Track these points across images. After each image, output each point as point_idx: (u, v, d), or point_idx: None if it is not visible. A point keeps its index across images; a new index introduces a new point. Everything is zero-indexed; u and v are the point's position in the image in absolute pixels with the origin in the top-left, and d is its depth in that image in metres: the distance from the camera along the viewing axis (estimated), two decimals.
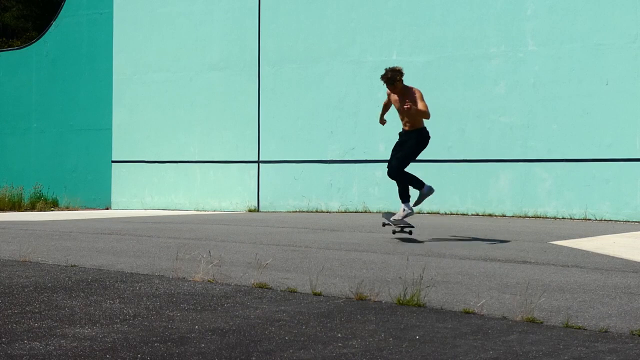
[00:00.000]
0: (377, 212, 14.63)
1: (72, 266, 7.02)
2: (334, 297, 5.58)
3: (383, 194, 14.84)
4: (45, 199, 18.49)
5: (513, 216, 13.92)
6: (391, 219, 9.33)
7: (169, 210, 17.23)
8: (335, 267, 7.03)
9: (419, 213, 14.49)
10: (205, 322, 4.71)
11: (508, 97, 14.19)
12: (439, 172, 14.70)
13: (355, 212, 15.33)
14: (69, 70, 19.19)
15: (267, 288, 5.88)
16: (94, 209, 18.36)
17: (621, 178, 13.27)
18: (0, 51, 21.33)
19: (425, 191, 9.39)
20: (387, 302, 5.36)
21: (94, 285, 6.01)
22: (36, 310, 4.99)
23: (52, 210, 17.63)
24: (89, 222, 12.69)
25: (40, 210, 17.50)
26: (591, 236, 10.08)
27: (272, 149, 16.56)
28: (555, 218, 13.59)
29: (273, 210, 16.44)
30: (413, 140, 9.24)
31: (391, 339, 4.33)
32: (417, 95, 9.12)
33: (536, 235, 10.06)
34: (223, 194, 17.16)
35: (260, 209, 16.65)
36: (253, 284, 6.02)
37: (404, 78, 9.26)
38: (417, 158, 9.58)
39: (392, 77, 9.14)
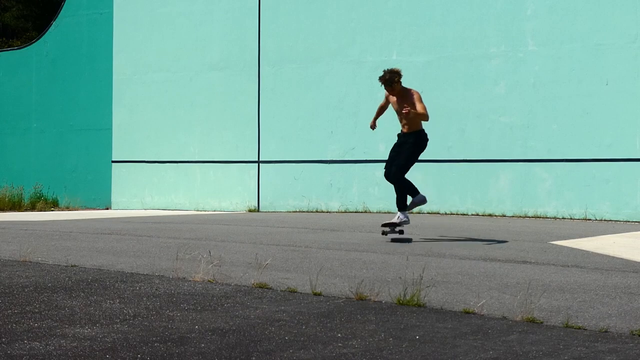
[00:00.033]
0: (377, 212, 14.64)
1: (72, 266, 7.02)
2: (334, 297, 5.58)
3: (383, 194, 14.83)
4: (45, 199, 18.49)
5: (513, 216, 13.92)
6: (385, 222, 9.29)
7: (169, 210, 17.23)
8: (335, 267, 7.03)
9: (419, 213, 14.50)
10: (205, 322, 4.71)
11: (508, 97, 14.19)
12: (439, 172, 14.71)
13: (355, 212, 15.33)
14: (69, 70, 19.19)
15: (267, 288, 5.88)
16: (94, 209, 18.36)
17: (621, 178, 13.27)
18: (0, 51, 21.33)
19: (418, 200, 9.31)
20: (387, 302, 5.36)
21: (94, 285, 6.01)
22: (36, 310, 4.99)
23: (52, 210, 17.63)
24: (89, 222, 12.69)
25: (40, 210, 17.50)
26: (591, 236, 10.08)
27: (272, 149, 16.56)
28: (555, 218, 13.59)
29: (273, 210, 16.44)
30: (411, 142, 9.21)
31: (391, 339, 4.34)
32: (416, 97, 9.11)
33: (536, 235, 10.06)
34: (223, 194, 17.17)
35: (260, 209, 16.65)
36: (253, 284, 6.02)
37: (402, 80, 9.26)
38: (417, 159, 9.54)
39: (390, 79, 9.13)
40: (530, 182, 13.99)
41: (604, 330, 4.60)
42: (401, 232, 9.29)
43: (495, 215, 14.09)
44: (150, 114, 18.05)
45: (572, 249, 8.50)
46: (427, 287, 5.74)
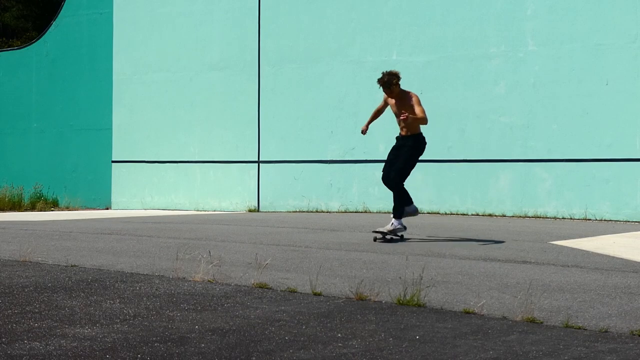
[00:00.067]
0: (377, 212, 14.64)
1: (72, 266, 7.02)
2: (334, 297, 5.58)
3: (383, 194, 14.83)
4: (45, 199, 18.49)
5: (513, 216, 13.92)
6: (379, 229, 9.23)
7: (169, 210, 17.23)
8: (335, 267, 7.03)
9: (419, 213, 14.49)
10: (205, 322, 4.71)
11: (508, 97, 14.19)
12: (439, 172, 14.71)
13: (355, 212, 15.33)
14: (69, 70, 19.19)
15: (267, 288, 5.89)
16: (94, 209, 18.36)
17: (621, 178, 13.27)
18: (0, 51, 21.33)
19: (411, 210, 9.26)
20: (387, 302, 5.36)
21: (94, 285, 6.01)
22: (36, 310, 4.99)
23: (52, 210, 17.63)
24: (89, 222, 12.69)
25: (40, 210, 17.50)
26: (591, 236, 10.08)
27: (272, 149, 16.56)
28: (555, 218, 13.59)
29: (273, 210, 16.44)
30: (409, 146, 9.14)
31: (391, 339, 4.34)
32: (414, 100, 9.06)
33: (536, 235, 10.06)
34: (223, 194, 17.16)
35: (260, 209, 16.65)
36: (253, 284, 6.02)
37: (402, 81, 9.25)
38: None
39: (389, 81, 9.09)
40: (530, 182, 13.99)
41: (604, 330, 4.60)
42: (391, 239, 9.14)
43: (495, 215, 14.09)
44: (150, 114, 18.05)
45: (572, 249, 8.50)
46: (427, 287, 5.74)
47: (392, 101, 9.24)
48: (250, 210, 16.60)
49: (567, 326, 4.66)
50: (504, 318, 4.91)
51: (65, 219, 13.87)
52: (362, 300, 5.43)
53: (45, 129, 19.58)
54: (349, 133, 15.62)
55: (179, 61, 17.71)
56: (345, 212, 15.41)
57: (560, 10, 13.80)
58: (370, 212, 14.95)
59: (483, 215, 14.14)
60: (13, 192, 18.27)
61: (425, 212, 14.63)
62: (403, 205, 9.20)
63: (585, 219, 13.31)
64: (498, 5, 14.32)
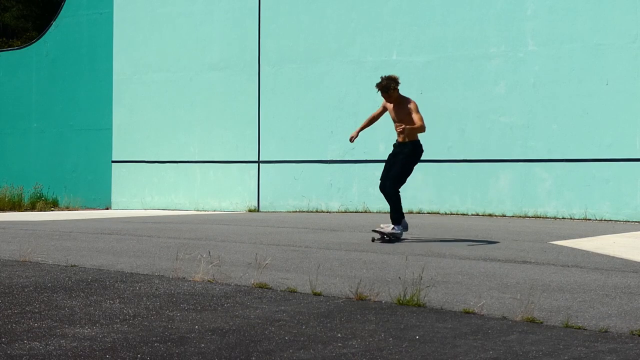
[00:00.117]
0: (377, 212, 14.64)
1: (72, 266, 7.02)
2: (334, 297, 5.58)
3: None
4: (45, 199, 18.50)
5: (513, 216, 13.92)
6: (378, 229, 9.16)
7: (169, 210, 17.23)
8: (335, 267, 7.03)
9: (419, 213, 14.50)
10: (205, 322, 4.71)
11: (508, 97, 14.19)
12: (439, 172, 14.71)
13: (355, 212, 15.33)
14: (69, 70, 19.19)
15: (267, 288, 5.88)
16: (94, 209, 18.36)
17: (621, 178, 13.27)
18: (0, 51, 21.33)
19: (403, 225, 9.17)
20: (387, 302, 5.36)
21: (94, 285, 6.01)
22: (36, 310, 4.99)
23: (52, 210, 17.63)
24: (89, 222, 12.69)
25: (40, 210, 17.50)
26: (591, 236, 10.08)
27: (272, 149, 16.56)
28: (555, 218, 13.59)
29: (273, 210, 16.45)
30: (405, 153, 9.06)
31: (391, 339, 4.33)
32: (412, 107, 9.01)
33: (536, 235, 10.06)
34: (223, 194, 17.17)
35: (260, 209, 16.65)
36: (253, 284, 6.02)
37: (402, 81, 9.22)
38: None
39: (387, 85, 9.04)
40: (530, 182, 13.99)
41: (604, 330, 4.60)
42: (389, 240, 9.08)
43: (495, 215, 14.09)
44: (150, 114, 18.05)
45: (572, 249, 8.50)
46: (427, 287, 5.74)
47: (390, 106, 9.20)
48: (250, 210, 16.60)
49: (567, 326, 4.66)
50: (504, 318, 4.91)
51: (65, 219, 13.87)
52: (362, 300, 5.43)
53: (45, 129, 19.58)
54: (349, 133, 15.59)
55: (179, 61, 17.71)
56: (345, 212, 15.41)
57: (560, 10, 13.80)
58: (370, 212, 14.95)
59: (483, 215, 14.14)
60: (13, 192, 18.27)
61: (425, 212, 14.63)
62: (400, 211, 9.10)
63: (585, 219, 13.31)
64: (498, 5, 14.32)
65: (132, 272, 6.70)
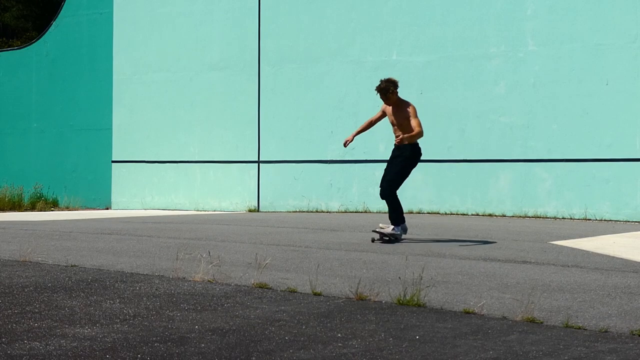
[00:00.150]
0: (377, 212, 14.64)
1: (72, 266, 7.03)
2: (334, 297, 5.58)
3: None
4: (45, 199, 18.49)
5: (513, 216, 13.92)
6: (378, 230, 9.14)
7: (169, 210, 17.23)
8: (335, 267, 7.03)
9: (419, 213, 14.50)
10: (205, 322, 4.71)
11: (508, 97, 14.19)
12: (439, 172, 14.71)
13: (355, 212, 15.33)
14: (69, 70, 19.19)
15: (267, 288, 5.88)
16: (94, 209, 18.36)
17: (621, 178, 13.27)
18: (0, 51, 21.33)
19: (402, 228, 9.12)
20: (387, 302, 5.36)
21: (94, 285, 6.01)
22: (36, 310, 4.99)
23: (52, 210, 17.63)
24: (89, 222, 12.69)
25: (40, 210, 17.50)
26: (591, 236, 10.08)
27: (272, 149, 16.57)
28: (555, 218, 13.59)
29: (273, 210, 16.45)
30: (404, 156, 9.04)
31: (391, 339, 4.33)
32: (411, 111, 8.98)
33: (536, 235, 10.06)
34: (223, 194, 17.17)
35: (260, 209, 16.65)
36: (253, 284, 6.02)
37: (401, 82, 9.20)
38: None
39: (386, 88, 9.02)
40: (530, 182, 13.99)
41: (604, 330, 4.60)
42: (389, 241, 9.06)
43: (495, 215, 14.09)
44: (150, 114, 18.05)
45: (572, 249, 8.50)
46: (427, 287, 5.74)
47: (389, 110, 9.18)
48: (250, 210, 16.60)
49: (567, 326, 4.66)
50: (504, 318, 4.91)
51: (65, 219, 13.87)
52: (362, 300, 5.43)
53: (45, 129, 19.58)
54: (349, 133, 15.57)
55: (179, 61, 17.71)
56: (345, 212, 15.41)
57: (560, 10, 13.80)
58: (370, 212, 14.95)
59: (483, 215, 14.14)
60: (13, 192, 18.27)
61: (425, 212, 14.63)
62: (399, 213, 9.07)
63: (585, 219, 13.31)
64: (498, 5, 14.32)
65: (132, 272, 6.70)
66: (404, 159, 9.07)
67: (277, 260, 7.43)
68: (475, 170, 14.46)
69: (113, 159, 18.52)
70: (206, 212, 16.44)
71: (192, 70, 17.55)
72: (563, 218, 13.55)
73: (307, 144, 16.12)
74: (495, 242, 9.13)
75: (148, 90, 18.07)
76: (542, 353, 4.05)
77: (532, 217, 13.76)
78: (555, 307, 5.23)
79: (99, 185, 18.70)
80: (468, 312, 5.05)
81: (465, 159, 14.55)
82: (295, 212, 15.89)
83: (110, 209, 18.32)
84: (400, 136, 8.86)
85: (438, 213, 14.55)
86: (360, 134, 9.73)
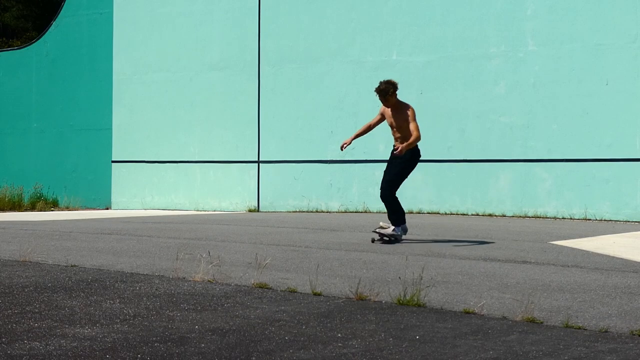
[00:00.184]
0: (377, 212, 14.64)
1: (72, 266, 7.02)
2: (334, 297, 5.58)
3: None
4: (45, 199, 18.49)
5: (513, 216, 13.92)
6: (378, 230, 9.12)
7: (169, 210, 17.23)
8: (335, 267, 7.03)
9: (419, 213, 14.50)
10: (205, 322, 4.71)
11: (508, 97, 14.19)
12: (439, 172, 14.71)
13: (355, 212, 15.33)
14: (69, 70, 19.19)
15: (267, 288, 5.88)
16: (94, 209, 18.36)
17: (621, 178, 13.27)
18: (0, 51, 21.33)
19: (403, 229, 9.09)
20: (387, 302, 5.36)
21: (94, 285, 6.01)
22: (36, 310, 4.99)
23: (52, 210, 17.63)
24: (89, 222, 12.69)
25: (40, 210, 17.50)
26: (591, 236, 10.08)
27: (272, 149, 16.57)
28: (555, 218, 13.59)
29: (273, 210, 16.45)
30: (404, 158, 9.00)
31: (391, 339, 4.33)
32: (410, 114, 8.94)
33: (536, 235, 10.06)
34: (223, 194, 17.17)
35: (260, 209, 16.65)
36: (253, 284, 6.02)
37: (400, 82, 9.17)
38: None
39: (385, 89, 8.99)
40: (530, 182, 13.99)
41: (604, 330, 4.60)
42: (389, 241, 9.04)
43: (495, 215, 14.09)
44: (150, 114, 18.05)
45: (572, 249, 8.50)
46: (427, 287, 5.74)
47: (388, 112, 9.15)
48: (250, 210, 16.60)
49: (567, 326, 4.66)
50: (504, 318, 4.91)
51: (65, 219, 13.87)
52: (362, 300, 5.43)
53: (45, 129, 19.58)
54: (349, 133, 15.59)
55: (179, 61, 17.71)
56: (345, 212, 15.41)
57: (560, 10, 13.80)
58: (370, 212, 14.95)
59: (483, 215, 14.14)
60: (13, 192, 18.27)
61: (425, 212, 14.63)
62: (400, 214, 9.04)
63: (585, 219, 13.31)
64: (498, 5, 14.32)
65: (132, 272, 6.70)
66: (404, 160, 9.06)
67: (277, 260, 7.43)
68: (475, 170, 14.46)
69: (113, 159, 18.52)
70: (206, 212, 16.44)
71: (192, 70, 17.55)
72: (563, 218, 13.55)
73: (307, 144, 16.12)
74: (495, 242, 9.13)
75: (148, 90, 18.07)
76: (542, 353, 4.05)
77: (532, 217, 13.76)
78: (555, 307, 5.23)
79: (99, 185, 18.70)
80: (468, 312, 5.05)
81: (465, 159, 14.55)
82: (295, 212, 15.89)
83: (110, 209, 18.32)
84: (399, 148, 8.82)
85: (438, 213, 14.55)
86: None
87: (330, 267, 7.01)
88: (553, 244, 8.98)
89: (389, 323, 4.72)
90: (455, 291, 5.82)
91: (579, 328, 4.63)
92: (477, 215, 14.26)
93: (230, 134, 17.06)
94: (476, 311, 5.07)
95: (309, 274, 6.46)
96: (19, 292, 5.64)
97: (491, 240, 9.34)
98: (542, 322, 4.78)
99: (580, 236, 10.03)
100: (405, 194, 13.61)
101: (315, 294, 5.64)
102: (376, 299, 5.43)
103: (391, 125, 9.15)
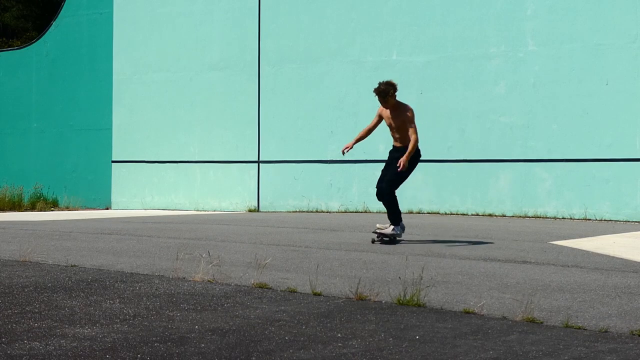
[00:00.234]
0: (377, 212, 14.64)
1: (72, 266, 7.02)
2: (334, 297, 5.58)
3: None
4: (45, 199, 18.49)
5: (513, 216, 13.92)
6: (378, 230, 9.12)
7: (169, 210, 17.23)
8: (335, 267, 7.03)
9: (419, 213, 14.50)
10: (205, 322, 4.71)
11: (508, 97, 14.19)
12: (439, 172, 14.71)
13: (355, 212, 15.33)
14: (69, 70, 19.19)
15: (267, 288, 5.88)
16: (94, 209, 18.36)
17: (621, 178, 13.27)
18: (0, 51, 21.33)
19: (398, 229, 9.08)
20: (387, 302, 5.36)
21: (94, 285, 6.01)
22: (36, 310, 4.99)
23: (52, 210, 17.63)
24: (89, 222, 12.69)
25: (40, 210, 17.50)
26: (591, 236, 10.08)
27: (272, 149, 16.56)
28: (555, 218, 13.59)
29: (273, 210, 16.44)
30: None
31: (391, 339, 4.33)
32: (410, 116, 8.91)
33: (536, 235, 10.06)
34: (223, 194, 17.16)
35: (260, 209, 16.65)
36: (253, 284, 6.02)
37: (400, 82, 9.15)
38: None
39: (385, 90, 8.95)
40: (530, 182, 13.99)
41: (604, 330, 4.60)
42: (389, 242, 9.02)
43: (495, 215, 14.09)
44: (150, 114, 18.05)
45: (572, 249, 8.50)
46: (427, 287, 5.74)
47: (386, 113, 9.11)
48: (250, 210, 16.60)
49: (567, 326, 4.66)
50: (504, 318, 4.91)
51: (65, 219, 13.87)
52: (362, 300, 5.43)
53: (45, 129, 19.58)
54: (349, 133, 15.60)
55: (179, 61, 17.71)
56: (345, 212, 15.41)
57: (560, 10, 13.80)
58: (370, 212, 14.95)
59: (483, 215, 14.14)
60: (13, 192, 18.27)
61: (425, 212, 14.63)
62: (398, 211, 9.03)
63: (585, 219, 13.31)
64: (498, 5, 14.32)
65: (132, 272, 6.70)
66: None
67: (277, 260, 7.43)
68: (475, 170, 14.46)
69: (113, 159, 18.52)
70: (206, 212, 16.44)
71: (192, 70, 17.55)
72: (563, 218, 13.55)
73: (307, 144, 16.12)
74: (495, 242, 9.13)
75: (148, 90, 18.07)
76: (542, 353, 4.05)
77: (532, 217, 13.76)
78: (555, 307, 5.23)
79: (99, 185, 18.70)
80: (468, 312, 5.05)
81: (465, 159, 14.55)
82: (295, 212, 15.89)
83: (110, 209, 18.32)
84: (401, 163, 8.78)
85: (438, 213, 14.55)
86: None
87: (330, 267, 7.01)
88: (553, 244, 8.98)
89: (389, 323, 4.72)
90: (455, 291, 5.82)
91: (579, 328, 4.63)
92: (477, 215, 14.26)
93: (230, 134, 17.06)
94: (476, 311, 5.07)
95: (309, 274, 6.46)
96: (19, 292, 5.64)
97: (491, 240, 9.34)
98: (542, 322, 4.78)
99: (580, 236, 10.03)
100: (405, 194, 13.61)
101: (315, 294, 5.64)
102: (376, 299, 5.43)
103: (390, 126, 9.13)
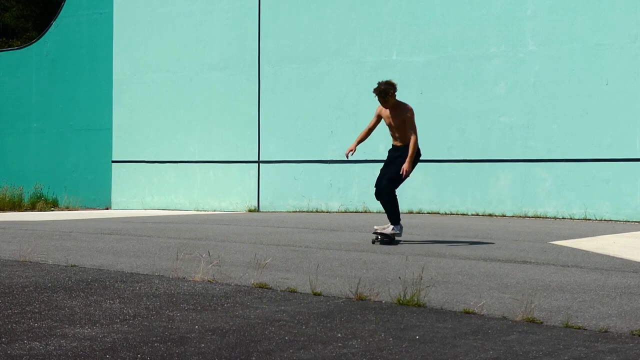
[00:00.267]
0: (377, 212, 14.64)
1: (72, 266, 7.02)
2: (334, 297, 5.58)
3: None
4: (45, 199, 18.49)
5: (513, 216, 13.92)
6: (378, 230, 9.07)
7: (169, 210, 17.23)
8: (335, 267, 7.03)
9: (419, 213, 14.50)
10: (205, 322, 4.71)
11: (508, 97, 14.19)
12: (439, 172, 14.71)
13: (355, 212, 15.33)
14: (69, 70, 19.19)
15: (267, 288, 5.88)
16: (94, 209, 18.36)
17: (621, 178, 13.27)
18: (0, 51, 21.33)
19: (398, 228, 9.06)
20: (387, 302, 5.36)
21: (94, 285, 6.01)
22: (36, 310, 4.99)
23: (52, 210, 17.63)
24: (89, 222, 12.69)
25: (40, 210, 17.50)
26: (591, 236, 10.08)
27: (272, 149, 16.56)
28: (555, 218, 13.59)
29: (273, 210, 16.44)
30: (404, 157, 8.95)
31: (391, 339, 4.33)
32: (409, 115, 8.86)
33: (536, 235, 10.06)
34: (223, 194, 17.16)
35: (260, 209, 16.65)
36: (253, 284, 6.02)
37: (400, 82, 9.13)
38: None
39: (385, 90, 8.93)
40: (530, 182, 13.99)
41: (604, 330, 4.60)
42: (389, 242, 9.00)
43: (495, 215, 14.09)
44: (150, 114, 18.05)
45: (572, 249, 8.50)
46: (427, 287, 5.74)
47: (385, 112, 9.09)
48: (250, 210, 16.60)
49: (567, 326, 4.66)
50: (504, 318, 4.91)
51: (65, 219, 13.87)
52: (362, 300, 5.43)
53: (45, 129, 19.58)
54: (349, 133, 15.61)
55: (179, 61, 17.71)
56: (345, 212, 15.41)
57: (560, 10, 13.80)
58: (370, 212, 14.95)
59: (483, 215, 14.14)
60: (13, 192, 18.27)
61: (425, 212, 14.63)
62: (398, 211, 9.02)
63: (585, 219, 13.31)
64: (498, 5, 14.32)
65: (132, 272, 6.70)
66: (404, 159, 9.02)
67: (277, 260, 7.43)
68: (475, 170, 14.46)
69: (113, 159, 18.52)
70: (206, 212, 16.44)
71: (192, 70, 17.55)
72: (563, 218, 13.55)
73: (307, 144, 16.12)
74: (495, 242, 9.13)
75: (148, 90, 18.07)
76: (542, 353, 4.05)
77: (532, 217, 13.76)
78: (555, 307, 5.23)
79: (99, 185, 18.70)
80: (468, 312, 5.05)
81: (465, 159, 14.55)
82: (295, 212, 15.89)
83: (110, 209, 18.32)
84: (404, 170, 8.77)
85: (438, 213, 14.55)
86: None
87: (330, 267, 7.01)
88: (553, 244, 8.98)
89: (389, 323, 4.72)
90: (455, 291, 5.82)
91: (579, 328, 4.63)
92: (477, 215, 14.26)
93: (230, 134, 17.06)
94: (476, 311, 5.07)
95: (309, 274, 6.46)
96: (19, 292, 5.64)
97: (491, 240, 9.34)
98: (542, 322, 4.78)
99: (580, 236, 10.03)
100: (405, 194, 13.61)
101: (315, 294, 5.64)
102: (376, 299, 5.43)
103: (389, 126, 9.12)
